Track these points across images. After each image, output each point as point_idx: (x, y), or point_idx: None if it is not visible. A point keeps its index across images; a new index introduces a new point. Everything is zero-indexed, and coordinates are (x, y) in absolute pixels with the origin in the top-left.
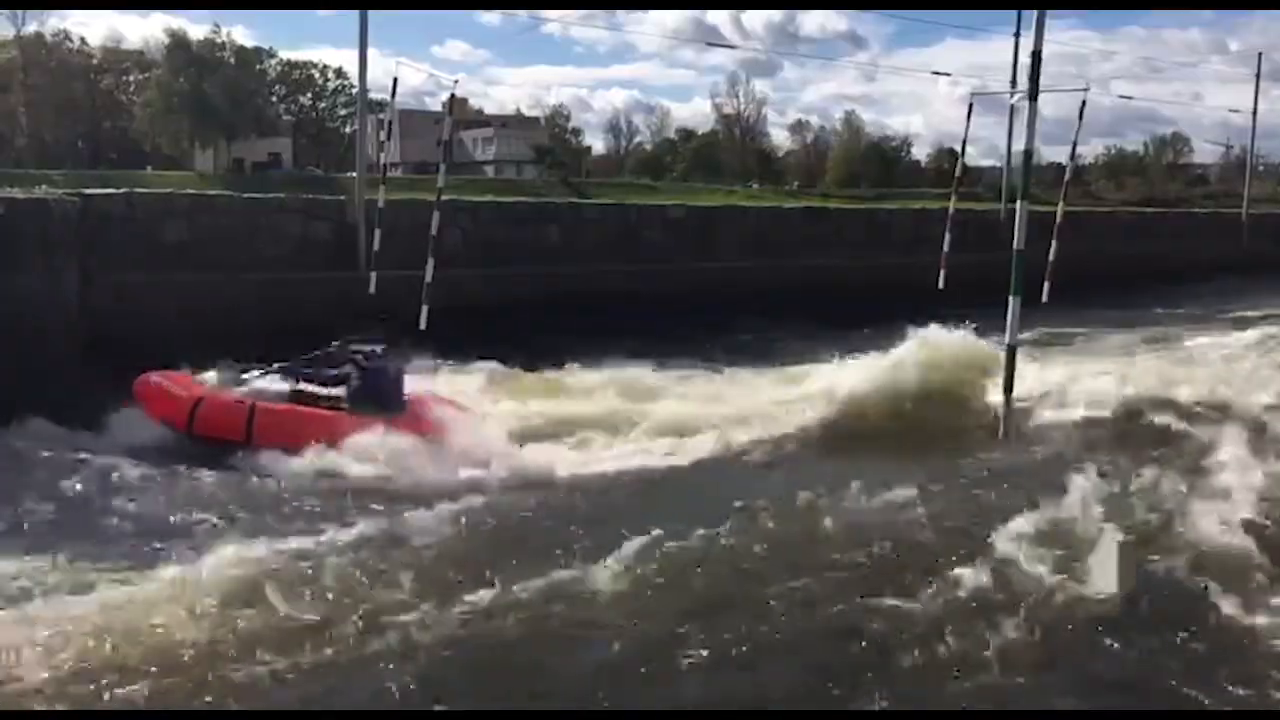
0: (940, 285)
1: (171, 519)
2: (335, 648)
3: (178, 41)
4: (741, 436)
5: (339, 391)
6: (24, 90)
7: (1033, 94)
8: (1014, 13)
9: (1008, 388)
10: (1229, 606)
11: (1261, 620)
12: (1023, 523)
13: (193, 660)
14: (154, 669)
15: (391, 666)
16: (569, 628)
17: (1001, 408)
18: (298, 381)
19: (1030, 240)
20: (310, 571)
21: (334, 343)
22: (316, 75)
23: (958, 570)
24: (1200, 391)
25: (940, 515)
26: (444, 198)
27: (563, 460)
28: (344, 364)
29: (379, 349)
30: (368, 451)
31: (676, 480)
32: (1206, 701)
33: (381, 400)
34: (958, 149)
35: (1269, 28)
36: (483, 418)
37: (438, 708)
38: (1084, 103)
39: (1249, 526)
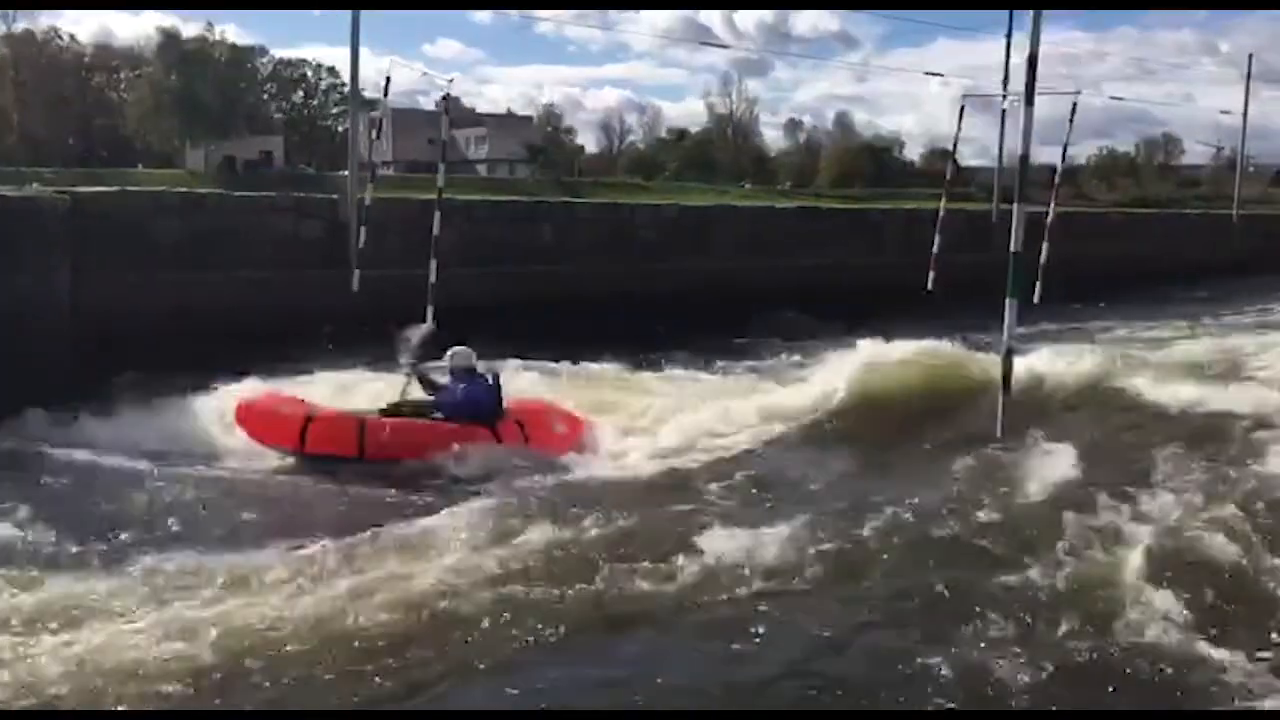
0: (929, 287)
1: (197, 519)
2: (437, 650)
3: (169, 39)
4: (740, 439)
5: (436, 400)
6: (14, 88)
7: (1029, 98)
8: (1005, 13)
9: (1005, 387)
10: (1227, 614)
11: (1260, 628)
12: (1020, 524)
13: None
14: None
15: (502, 666)
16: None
17: (999, 406)
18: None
19: (1026, 243)
20: (413, 568)
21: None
22: (309, 74)
23: (950, 571)
24: (1202, 390)
25: (934, 516)
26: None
27: (641, 461)
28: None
29: (476, 360)
30: (472, 459)
31: (688, 484)
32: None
33: (483, 408)
34: (950, 149)
35: (1260, 29)
36: (586, 420)
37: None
38: (1075, 105)
39: (1249, 531)
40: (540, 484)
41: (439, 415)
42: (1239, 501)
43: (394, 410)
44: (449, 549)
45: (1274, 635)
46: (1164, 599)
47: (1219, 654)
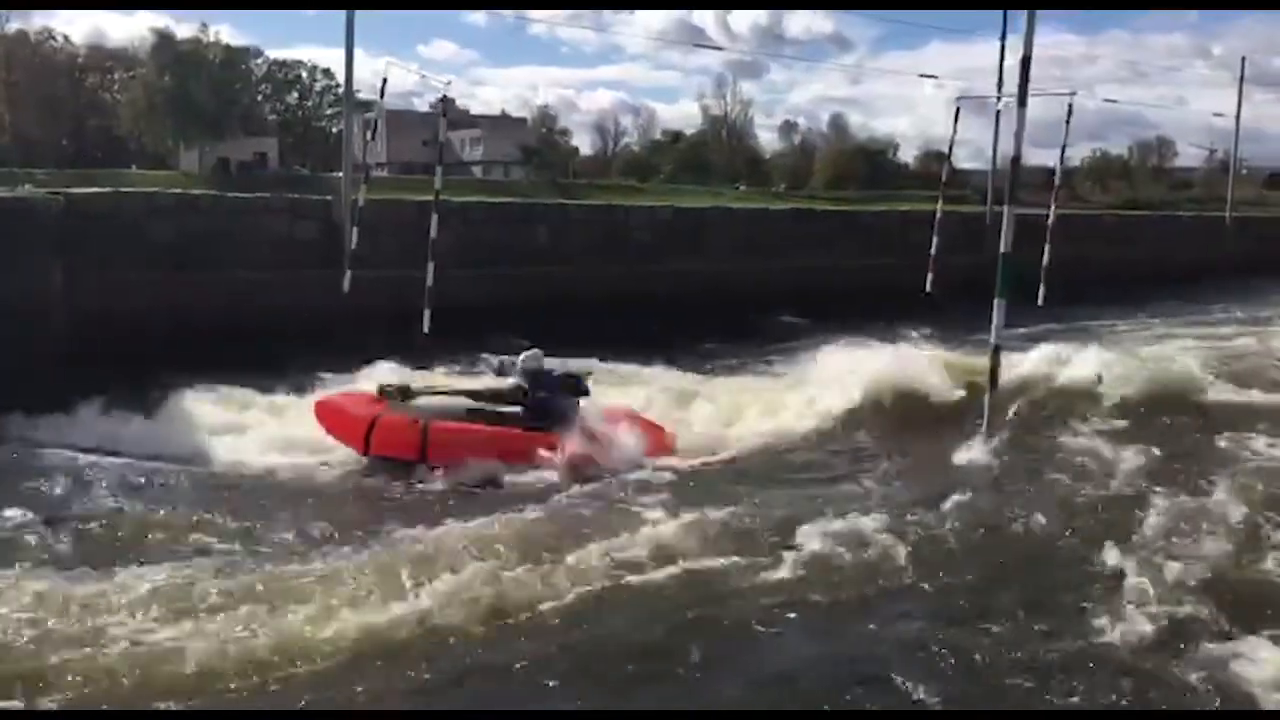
0: (928, 288)
1: (198, 524)
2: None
3: (163, 40)
4: (739, 442)
5: (513, 406)
6: (7, 88)
7: (1021, 99)
8: (999, 17)
9: (992, 385)
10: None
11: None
12: (1014, 524)
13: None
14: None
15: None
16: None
17: (986, 404)
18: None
19: (1022, 245)
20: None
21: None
22: (304, 75)
23: (946, 573)
24: (1200, 388)
25: (929, 517)
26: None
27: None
28: (514, 378)
29: (544, 361)
30: (541, 463)
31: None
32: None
33: (556, 413)
34: (944, 151)
35: (1252, 31)
36: (666, 428)
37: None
38: (1070, 107)
39: (1247, 528)
40: (595, 492)
41: (514, 418)
42: (1236, 498)
43: (468, 414)
44: (479, 556)
45: (1272, 633)
46: (1161, 598)
47: (1217, 653)
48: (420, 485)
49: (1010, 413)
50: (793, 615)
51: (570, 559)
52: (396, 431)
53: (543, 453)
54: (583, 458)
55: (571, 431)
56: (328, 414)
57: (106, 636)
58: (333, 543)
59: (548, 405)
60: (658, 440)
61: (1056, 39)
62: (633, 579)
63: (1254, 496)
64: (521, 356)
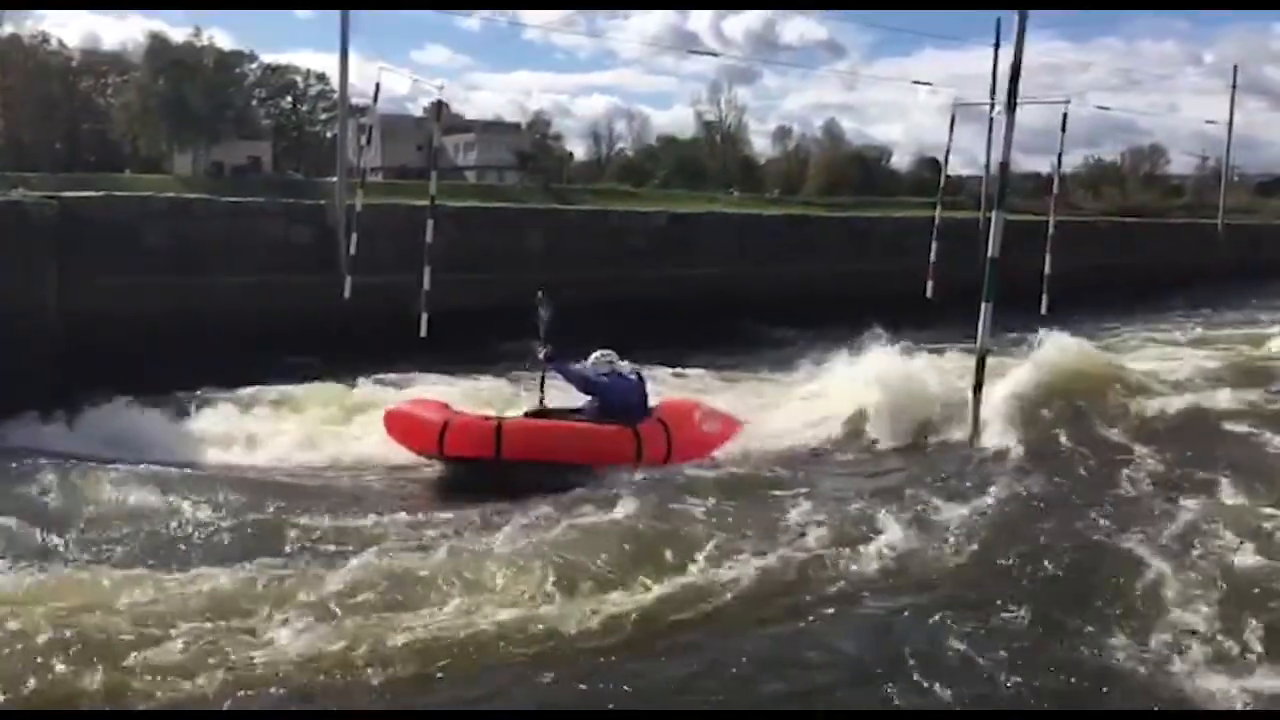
0: (929, 294)
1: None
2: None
3: (157, 43)
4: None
5: (582, 403)
6: (1, 92)
7: (1010, 104)
8: (994, 23)
9: (977, 390)
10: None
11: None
12: (1010, 527)
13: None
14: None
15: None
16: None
17: (970, 410)
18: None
19: (1018, 250)
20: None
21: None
22: (299, 80)
23: (943, 574)
24: (1197, 392)
25: (923, 516)
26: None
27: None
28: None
29: (613, 355)
30: (616, 456)
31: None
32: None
33: (627, 408)
34: (937, 158)
35: (1243, 40)
36: (739, 420)
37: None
38: (1065, 114)
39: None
40: (670, 483)
41: (581, 415)
42: (1240, 498)
43: (537, 414)
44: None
45: (1267, 633)
46: (1167, 598)
47: (1225, 653)
48: (476, 483)
49: (1011, 415)
50: (792, 614)
51: (644, 557)
52: (470, 432)
53: (617, 446)
54: (656, 449)
55: (644, 424)
56: (397, 422)
57: (146, 639)
58: (389, 545)
59: (619, 400)
60: (730, 430)
61: (1049, 46)
62: (713, 576)
63: (1257, 497)
64: (592, 358)
